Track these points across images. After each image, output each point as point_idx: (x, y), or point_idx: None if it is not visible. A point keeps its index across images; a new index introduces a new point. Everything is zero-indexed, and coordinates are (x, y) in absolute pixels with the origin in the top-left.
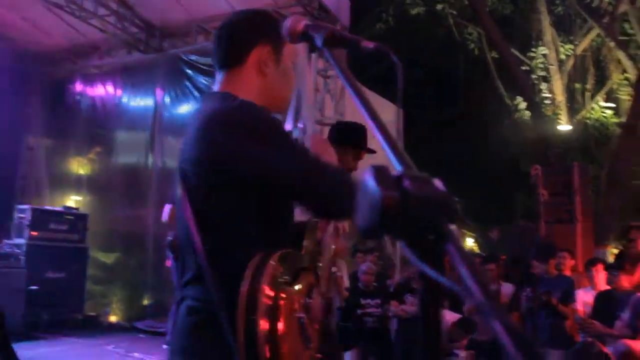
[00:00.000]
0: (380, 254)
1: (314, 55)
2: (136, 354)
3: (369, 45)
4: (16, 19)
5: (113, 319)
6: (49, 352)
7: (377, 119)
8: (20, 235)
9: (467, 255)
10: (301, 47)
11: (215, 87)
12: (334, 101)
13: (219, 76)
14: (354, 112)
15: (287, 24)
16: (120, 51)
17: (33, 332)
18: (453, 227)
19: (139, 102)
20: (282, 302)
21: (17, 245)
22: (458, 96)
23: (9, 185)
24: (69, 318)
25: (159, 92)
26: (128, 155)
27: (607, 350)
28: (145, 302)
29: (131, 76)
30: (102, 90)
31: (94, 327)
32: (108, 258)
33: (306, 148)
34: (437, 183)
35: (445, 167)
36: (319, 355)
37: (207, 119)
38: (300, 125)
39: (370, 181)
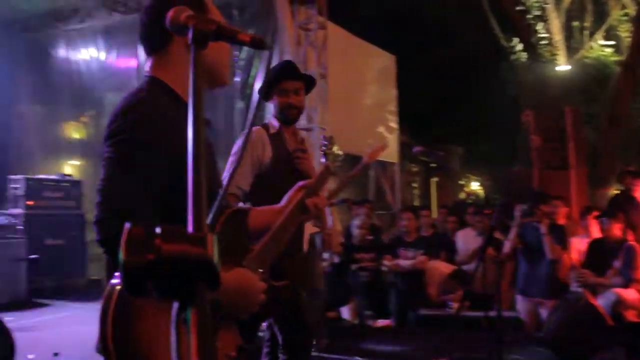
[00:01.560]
0: (375, 205)
1: (294, 8)
2: None
3: (246, 38)
4: None
5: None
6: (54, 318)
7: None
8: (15, 206)
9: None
10: (283, 0)
11: (146, 68)
12: (316, 54)
13: (149, 60)
14: (337, 64)
15: (170, 14)
16: (100, 13)
17: (38, 299)
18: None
19: (123, 63)
20: None
21: (14, 216)
22: (452, 40)
23: (1, 156)
24: (72, 284)
25: (141, 51)
26: None
27: (596, 301)
28: None
29: (113, 37)
30: (86, 54)
31: (97, 291)
32: None
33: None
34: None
35: (444, 111)
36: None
37: (118, 108)
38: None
39: (121, 244)
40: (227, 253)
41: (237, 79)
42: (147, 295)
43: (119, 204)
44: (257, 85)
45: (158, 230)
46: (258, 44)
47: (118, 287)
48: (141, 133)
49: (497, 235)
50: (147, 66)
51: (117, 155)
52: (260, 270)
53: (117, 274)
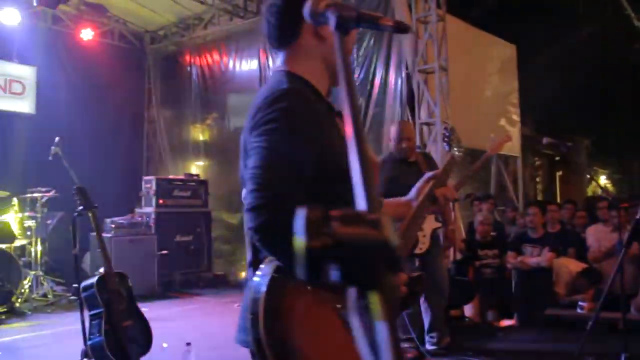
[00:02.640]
0: (497, 201)
1: (412, 1)
2: None
3: (389, 22)
4: (127, 2)
5: (241, 276)
6: (182, 310)
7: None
8: (149, 204)
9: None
10: None
11: (279, 63)
12: (436, 47)
13: (280, 55)
14: (457, 57)
15: (309, 3)
16: (222, 19)
17: (167, 292)
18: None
19: (245, 66)
20: None
21: (147, 214)
22: (576, 23)
23: (135, 159)
24: (199, 278)
25: (262, 54)
26: (240, 118)
27: None
28: None
29: (235, 42)
30: (209, 59)
31: (223, 286)
32: (233, 218)
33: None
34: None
35: (569, 101)
36: None
37: (261, 100)
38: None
39: (298, 228)
40: None
41: (356, 75)
42: (323, 281)
43: (274, 191)
44: (377, 81)
45: (335, 213)
46: (402, 28)
47: (265, 284)
48: (292, 121)
49: None
50: (278, 61)
51: (269, 143)
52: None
53: (262, 268)
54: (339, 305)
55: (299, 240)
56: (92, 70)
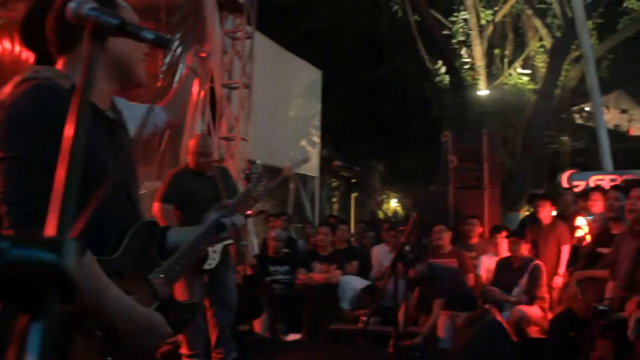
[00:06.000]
0: (293, 219)
1: (223, 16)
2: None
3: (149, 35)
4: None
5: None
6: None
7: None
8: None
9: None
10: (212, 6)
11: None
12: (241, 63)
13: (60, 61)
14: (263, 75)
15: (71, 5)
16: None
17: None
18: None
19: None
20: None
21: None
22: (380, 57)
23: None
24: None
25: None
26: None
27: (501, 317)
28: None
29: None
30: None
31: None
32: None
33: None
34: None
35: (367, 127)
36: None
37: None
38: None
39: None
40: (135, 265)
41: (159, 83)
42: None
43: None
44: None
45: (7, 233)
46: (161, 43)
47: None
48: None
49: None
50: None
51: None
52: (165, 285)
53: None
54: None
55: None
56: None
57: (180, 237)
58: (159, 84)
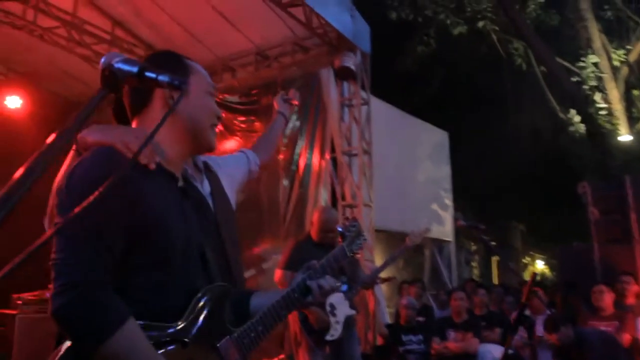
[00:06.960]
0: (431, 285)
1: (339, 84)
2: None
3: (164, 79)
4: None
5: None
6: None
7: None
8: None
9: None
10: (327, 77)
11: None
12: (359, 130)
13: (133, 123)
14: (386, 141)
15: (102, 60)
16: None
17: None
18: None
19: None
20: None
21: None
22: (507, 113)
23: None
24: None
25: None
26: None
27: None
28: None
29: None
30: None
31: None
32: None
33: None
34: None
35: (503, 188)
36: None
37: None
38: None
39: None
40: (202, 331)
41: (281, 156)
42: None
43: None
44: (302, 162)
45: None
46: (175, 85)
47: None
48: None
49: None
50: None
51: None
52: (237, 353)
53: None
54: None
55: None
56: None
57: (263, 300)
58: (281, 156)
